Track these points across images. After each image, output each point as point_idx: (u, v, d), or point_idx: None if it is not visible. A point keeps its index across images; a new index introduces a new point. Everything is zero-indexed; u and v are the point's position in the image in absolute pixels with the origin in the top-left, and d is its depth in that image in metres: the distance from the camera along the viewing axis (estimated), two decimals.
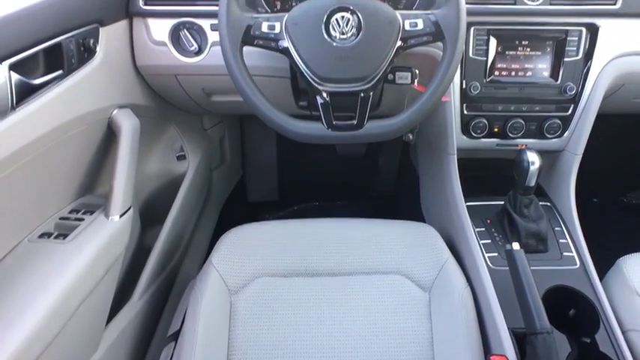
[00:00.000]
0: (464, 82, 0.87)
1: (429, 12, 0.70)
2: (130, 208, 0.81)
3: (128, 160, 0.80)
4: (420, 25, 0.69)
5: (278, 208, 1.59)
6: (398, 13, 0.70)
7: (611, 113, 0.97)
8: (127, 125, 0.81)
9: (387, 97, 0.91)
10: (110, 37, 0.78)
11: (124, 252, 0.81)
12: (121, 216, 0.78)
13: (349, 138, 0.72)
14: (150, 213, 1.03)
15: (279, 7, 0.88)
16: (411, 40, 0.70)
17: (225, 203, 1.45)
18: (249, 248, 0.79)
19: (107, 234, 0.73)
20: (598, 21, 0.84)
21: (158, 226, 1.02)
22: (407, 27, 0.69)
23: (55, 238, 0.70)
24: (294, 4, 0.88)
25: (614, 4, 0.83)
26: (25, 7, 0.59)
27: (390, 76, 0.76)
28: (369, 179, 1.65)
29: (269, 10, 0.88)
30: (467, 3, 0.73)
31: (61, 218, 0.74)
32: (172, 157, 1.12)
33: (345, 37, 0.68)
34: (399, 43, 0.69)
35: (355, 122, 0.71)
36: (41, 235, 0.70)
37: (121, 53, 0.84)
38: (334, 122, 0.71)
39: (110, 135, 0.82)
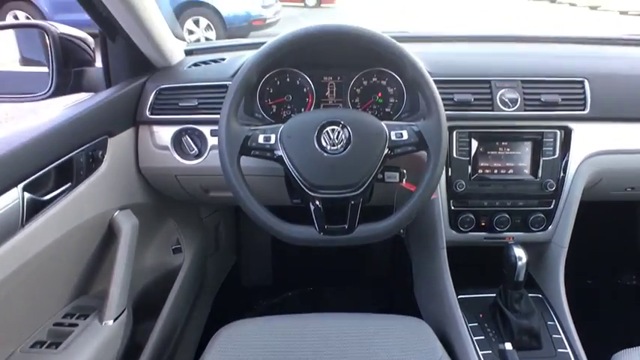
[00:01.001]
0: (450, 180, 0.92)
1: (412, 124, 0.77)
2: (124, 310, 0.81)
3: (126, 261, 0.81)
4: (405, 136, 0.76)
5: (272, 293, 1.58)
6: (384, 125, 0.77)
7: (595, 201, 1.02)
8: (127, 226, 0.84)
9: (377, 191, 0.96)
10: (116, 145, 0.84)
11: (116, 355, 0.79)
12: (115, 319, 0.77)
13: (341, 241, 0.75)
14: (143, 309, 1.02)
15: (274, 110, 0.96)
16: (397, 150, 0.76)
17: (219, 288, 1.44)
18: (243, 349, 0.78)
19: (100, 340, 0.73)
20: (570, 124, 0.91)
21: (151, 322, 1.01)
22: (393, 137, 0.76)
23: (48, 347, 0.69)
24: (288, 107, 0.96)
25: (584, 110, 0.91)
26: (43, 132, 0.64)
27: (380, 176, 0.80)
28: (363, 263, 1.65)
29: (265, 115, 0.95)
30: (449, 109, 0.80)
31: (55, 324, 0.74)
32: (168, 251, 1.14)
33: (335, 148, 0.74)
34: (386, 151, 0.75)
35: (346, 226, 0.74)
36: (34, 345, 0.69)
37: (125, 158, 0.89)
38: (326, 227, 0.74)
39: (110, 235, 0.84)
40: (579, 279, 1.06)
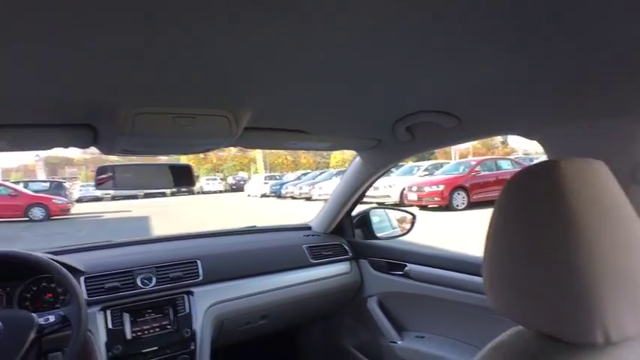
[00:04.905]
0: (108, 345, 1.22)
1: (60, 310, 1.09)
2: None
3: None
4: (52, 319, 1.06)
5: None
6: (35, 315, 1.05)
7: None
8: None
9: None
10: None
11: None
12: None
13: None
14: None
15: None
16: (45, 330, 1.04)
17: None
18: None
19: None
20: (192, 289, 1.42)
21: None
22: (42, 322, 1.04)
23: None
24: None
25: (198, 278, 1.44)
26: None
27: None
28: None
29: None
30: (101, 295, 1.15)
31: None
32: None
33: None
34: (33, 335, 1.01)
35: None
36: None
37: None
38: None
39: None
40: None
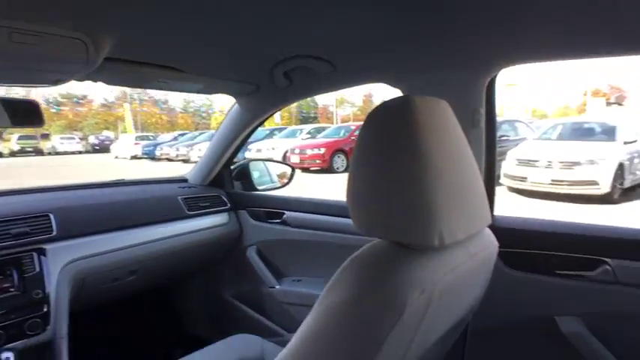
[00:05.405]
0: None
1: None
2: None
3: None
4: None
5: None
6: None
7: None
8: None
9: None
10: None
11: None
12: None
13: None
14: None
15: None
16: None
17: None
18: None
19: None
20: (43, 246, 1.24)
21: None
22: None
23: None
24: None
25: (52, 233, 1.26)
26: None
27: None
28: None
29: None
30: None
31: None
32: None
33: None
34: None
35: None
36: None
37: None
38: None
39: None
40: None
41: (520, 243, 1.04)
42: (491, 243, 0.74)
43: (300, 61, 1.13)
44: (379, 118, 0.60)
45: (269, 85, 1.33)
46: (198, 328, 1.89)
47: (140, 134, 23.64)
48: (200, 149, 13.76)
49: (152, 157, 17.20)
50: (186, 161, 14.41)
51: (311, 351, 0.55)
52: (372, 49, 1.02)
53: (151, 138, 21.32)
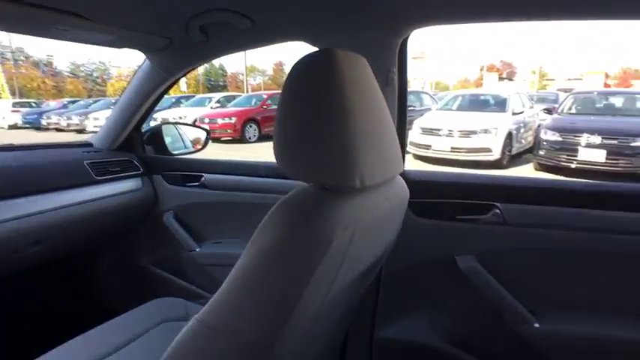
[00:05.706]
0: None
1: None
2: None
3: None
4: None
5: None
6: None
7: None
8: None
9: None
10: None
11: None
12: None
13: None
14: None
15: None
16: None
17: None
18: None
19: None
20: None
21: None
22: None
23: None
24: None
25: None
26: None
27: None
28: None
29: None
30: None
31: None
32: None
33: None
34: None
35: None
36: None
37: None
38: None
39: None
40: None
41: (426, 193, 1.17)
42: (403, 189, 0.83)
43: (217, 14, 1.09)
44: (304, 68, 0.63)
45: (184, 40, 1.27)
46: (116, 299, 1.80)
47: (19, 100, 20.55)
48: (97, 118, 12.47)
49: (37, 127, 15.14)
50: (80, 131, 12.97)
51: (242, 287, 0.58)
52: (291, 5, 1.03)
53: (34, 105, 18.63)
